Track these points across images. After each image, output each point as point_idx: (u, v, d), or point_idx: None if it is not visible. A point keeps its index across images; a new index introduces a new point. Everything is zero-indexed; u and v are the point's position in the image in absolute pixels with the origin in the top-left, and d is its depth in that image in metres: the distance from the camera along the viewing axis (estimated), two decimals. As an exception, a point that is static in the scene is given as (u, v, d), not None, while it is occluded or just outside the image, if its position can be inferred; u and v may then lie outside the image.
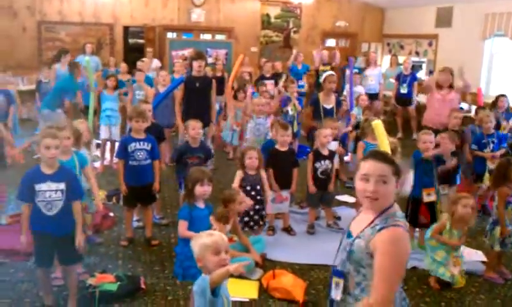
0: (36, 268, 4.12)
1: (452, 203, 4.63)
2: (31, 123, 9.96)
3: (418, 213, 5.28)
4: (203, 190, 3.83)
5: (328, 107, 6.74)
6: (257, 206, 5.19)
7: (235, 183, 5.18)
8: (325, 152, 5.70)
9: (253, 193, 5.17)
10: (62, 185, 3.72)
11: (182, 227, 3.88)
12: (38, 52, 12.55)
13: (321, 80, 7.19)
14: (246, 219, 5.16)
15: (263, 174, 5.31)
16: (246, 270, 4.58)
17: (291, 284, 4.44)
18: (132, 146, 5.09)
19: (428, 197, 5.19)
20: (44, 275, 4.02)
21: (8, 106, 7.55)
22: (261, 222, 5.30)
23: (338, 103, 6.95)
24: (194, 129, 5.54)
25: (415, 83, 10.81)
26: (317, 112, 6.69)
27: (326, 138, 5.67)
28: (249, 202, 4.98)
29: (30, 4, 12.53)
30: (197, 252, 2.75)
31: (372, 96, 10.03)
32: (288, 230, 5.71)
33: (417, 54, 13.17)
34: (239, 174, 5.23)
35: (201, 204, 3.89)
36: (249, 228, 5.21)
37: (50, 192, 3.69)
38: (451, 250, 4.61)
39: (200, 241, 2.76)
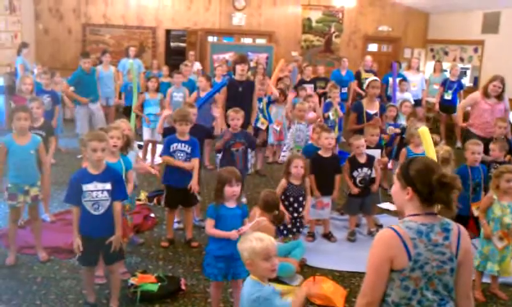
0: (80, 267, 4.19)
1: (495, 177, 4.52)
2: (74, 124, 10.17)
3: (467, 230, 5.12)
4: (232, 190, 3.79)
5: (372, 112, 6.64)
6: (296, 216, 5.11)
7: (278, 192, 5.05)
8: (362, 160, 5.59)
9: (295, 204, 5.08)
10: (108, 185, 3.78)
11: (208, 225, 3.87)
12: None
13: (364, 86, 7.09)
14: (281, 227, 5.09)
15: (307, 184, 5.21)
16: (284, 273, 4.55)
17: (331, 291, 4.38)
18: (174, 146, 5.14)
19: (477, 211, 5.05)
20: (88, 274, 4.08)
21: (54, 106, 7.72)
22: (297, 232, 5.22)
23: (382, 108, 6.83)
24: (233, 119, 5.60)
25: (461, 90, 10.55)
26: (361, 118, 6.60)
27: (359, 149, 5.58)
28: (287, 218, 4.94)
29: (76, 7, 12.87)
30: (246, 256, 2.69)
31: (415, 102, 9.81)
32: (328, 236, 5.64)
33: (461, 60, 12.86)
34: (283, 184, 5.12)
35: (231, 204, 3.85)
36: (283, 236, 5.15)
37: (97, 192, 3.76)
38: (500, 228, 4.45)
39: (250, 245, 2.69)
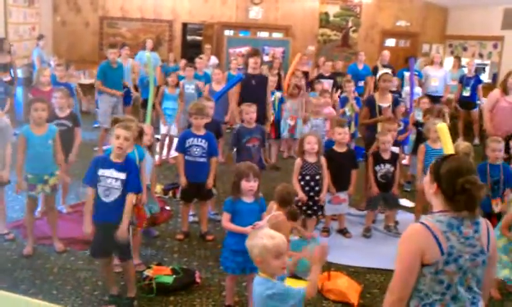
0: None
1: None
2: (90, 116, 10.26)
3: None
4: (249, 185, 3.78)
5: (385, 105, 6.53)
6: (315, 197, 5.14)
7: (295, 174, 5.13)
8: (386, 156, 5.56)
9: (312, 183, 5.12)
10: (123, 175, 3.81)
11: (224, 219, 3.87)
12: (99, 46, 12.92)
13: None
14: (300, 203, 5.10)
15: (323, 161, 5.22)
16: (302, 269, 4.53)
17: (346, 287, 4.37)
18: (190, 140, 5.14)
19: (497, 207, 4.98)
20: (103, 267, 4.11)
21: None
22: (318, 213, 5.23)
23: (396, 102, 6.73)
24: (248, 113, 5.58)
25: (479, 86, 10.42)
26: (373, 112, 6.51)
27: (385, 145, 5.54)
28: (303, 198, 4.99)
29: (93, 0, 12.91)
30: (257, 254, 2.67)
31: (435, 99, 9.68)
32: (343, 232, 5.62)
33: (481, 56, 12.68)
34: (298, 163, 5.18)
35: (248, 199, 3.84)
36: (305, 215, 5.16)
37: (111, 179, 3.79)
38: None
39: (260, 242, 2.65)
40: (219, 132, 5.98)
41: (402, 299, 2.26)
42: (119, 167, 3.81)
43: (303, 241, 4.93)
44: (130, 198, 3.89)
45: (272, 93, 7.48)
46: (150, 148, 5.02)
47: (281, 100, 8.11)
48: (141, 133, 4.66)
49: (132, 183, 3.88)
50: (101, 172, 3.79)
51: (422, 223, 2.25)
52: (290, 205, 4.37)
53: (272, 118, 7.63)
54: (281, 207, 4.22)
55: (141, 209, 4.44)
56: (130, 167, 3.90)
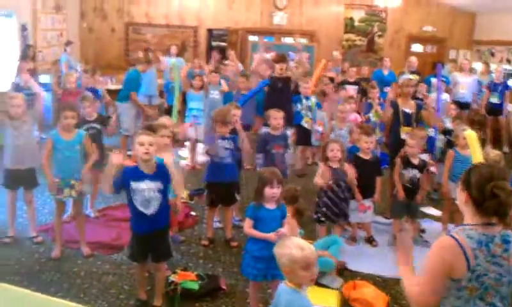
0: (122, 262, 4.24)
1: None
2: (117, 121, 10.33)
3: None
4: (272, 192, 3.76)
5: (408, 111, 6.44)
6: (340, 203, 5.11)
7: (318, 178, 5.10)
8: (415, 161, 5.48)
9: (336, 189, 5.08)
10: (160, 184, 3.79)
11: (247, 225, 3.86)
12: (125, 52, 13.07)
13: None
14: (324, 209, 5.09)
15: (346, 166, 5.18)
16: (327, 270, 4.53)
17: (372, 296, 4.31)
18: (217, 142, 5.15)
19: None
20: (140, 270, 4.13)
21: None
22: (343, 218, 5.19)
23: (419, 107, 6.63)
24: (276, 119, 5.56)
25: (507, 92, 10.22)
26: (397, 116, 6.43)
27: (411, 149, 5.47)
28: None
29: (119, 6, 13.08)
30: (285, 264, 2.63)
31: (463, 105, 9.51)
32: (370, 241, 5.55)
33: (508, 61, 12.46)
34: (321, 168, 5.14)
35: (270, 206, 3.82)
36: (329, 220, 5.13)
37: (149, 191, 3.76)
38: None
39: (289, 253, 2.62)
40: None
41: (430, 302, 2.24)
42: (153, 177, 3.77)
43: (321, 242, 4.89)
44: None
45: (308, 98, 7.43)
46: (177, 141, 5.09)
47: (318, 105, 8.01)
48: (173, 138, 4.70)
49: (169, 190, 3.91)
50: (135, 185, 3.73)
51: (454, 238, 2.21)
52: (297, 202, 4.53)
53: (310, 122, 7.62)
54: (288, 204, 4.26)
55: (173, 213, 4.46)
56: (164, 174, 3.86)
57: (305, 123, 7.53)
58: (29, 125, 5.08)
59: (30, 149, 5.07)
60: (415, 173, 5.45)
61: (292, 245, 2.66)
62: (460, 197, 2.33)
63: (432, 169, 7.20)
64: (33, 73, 9.26)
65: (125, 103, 8.40)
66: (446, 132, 6.97)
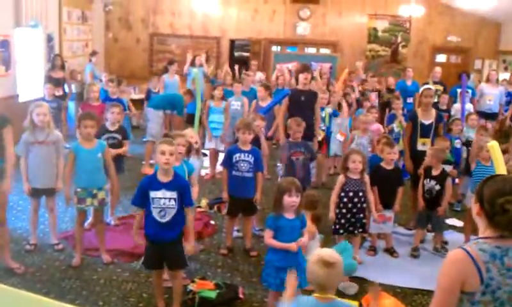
0: (142, 271, 4.25)
1: None
2: (140, 131, 10.45)
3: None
4: (291, 200, 3.74)
5: (426, 122, 6.31)
6: (358, 214, 5.06)
7: (335, 192, 5.07)
8: (435, 172, 5.42)
9: (355, 199, 5.03)
10: (175, 194, 3.82)
11: (267, 235, 3.84)
12: (149, 62, 13.23)
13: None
14: (343, 221, 5.04)
15: (366, 178, 5.13)
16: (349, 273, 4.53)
17: (392, 308, 4.24)
18: (237, 156, 5.14)
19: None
20: (156, 278, 4.15)
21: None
22: (360, 229, 5.12)
23: (440, 118, 6.51)
24: (295, 132, 5.57)
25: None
26: (415, 128, 6.33)
27: (430, 159, 5.41)
28: (333, 217, 5.04)
29: (144, 17, 13.26)
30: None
31: (489, 116, 9.34)
32: (390, 251, 5.47)
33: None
34: (340, 181, 5.09)
35: (290, 215, 3.80)
36: (346, 231, 5.08)
37: (165, 200, 3.80)
38: None
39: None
40: (258, 144, 5.97)
41: None
42: (169, 186, 3.81)
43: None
44: (190, 214, 3.97)
45: (323, 109, 7.40)
46: (198, 151, 5.10)
47: (334, 114, 7.95)
48: (189, 148, 4.71)
49: (186, 199, 3.90)
50: (152, 194, 3.80)
51: (466, 251, 2.15)
52: (316, 209, 4.66)
53: (323, 134, 7.56)
54: (307, 210, 4.28)
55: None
56: (180, 183, 3.91)
57: (318, 136, 7.51)
58: (49, 144, 5.03)
59: (49, 169, 5.04)
60: (432, 184, 5.40)
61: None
62: (474, 209, 2.28)
63: (456, 180, 7.08)
64: (63, 82, 9.46)
65: (156, 110, 8.39)
66: (468, 144, 6.85)
